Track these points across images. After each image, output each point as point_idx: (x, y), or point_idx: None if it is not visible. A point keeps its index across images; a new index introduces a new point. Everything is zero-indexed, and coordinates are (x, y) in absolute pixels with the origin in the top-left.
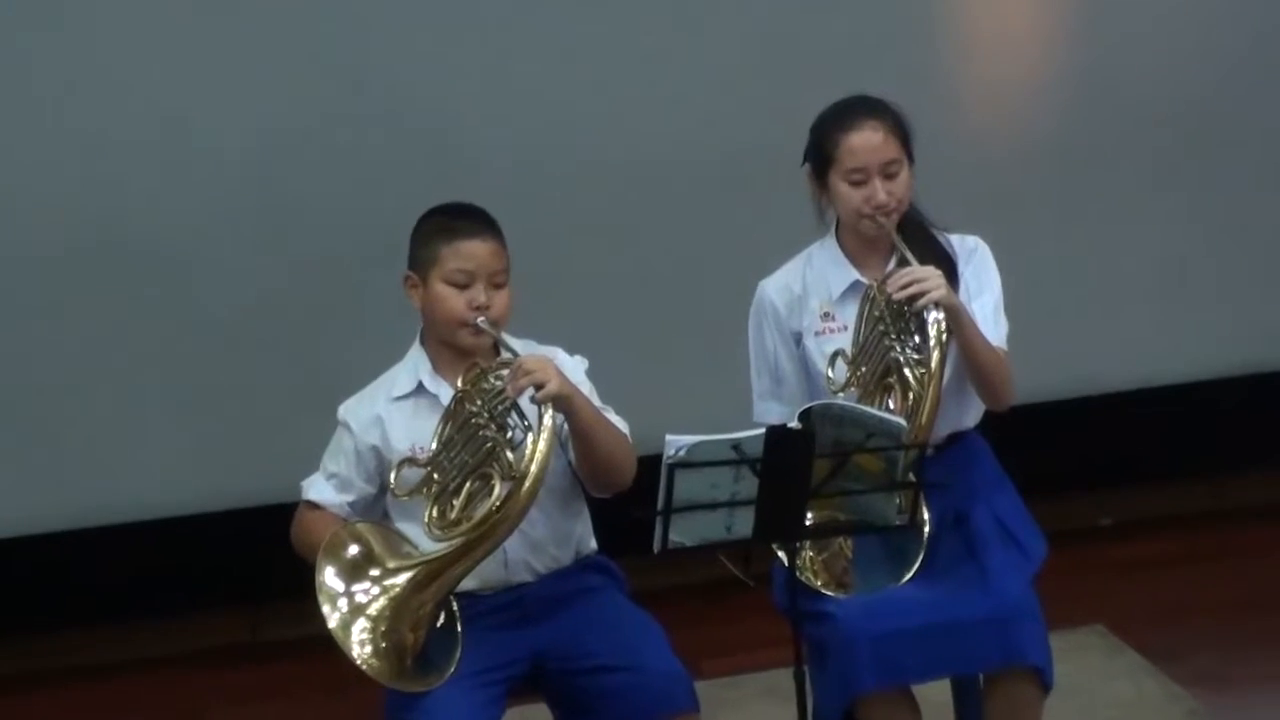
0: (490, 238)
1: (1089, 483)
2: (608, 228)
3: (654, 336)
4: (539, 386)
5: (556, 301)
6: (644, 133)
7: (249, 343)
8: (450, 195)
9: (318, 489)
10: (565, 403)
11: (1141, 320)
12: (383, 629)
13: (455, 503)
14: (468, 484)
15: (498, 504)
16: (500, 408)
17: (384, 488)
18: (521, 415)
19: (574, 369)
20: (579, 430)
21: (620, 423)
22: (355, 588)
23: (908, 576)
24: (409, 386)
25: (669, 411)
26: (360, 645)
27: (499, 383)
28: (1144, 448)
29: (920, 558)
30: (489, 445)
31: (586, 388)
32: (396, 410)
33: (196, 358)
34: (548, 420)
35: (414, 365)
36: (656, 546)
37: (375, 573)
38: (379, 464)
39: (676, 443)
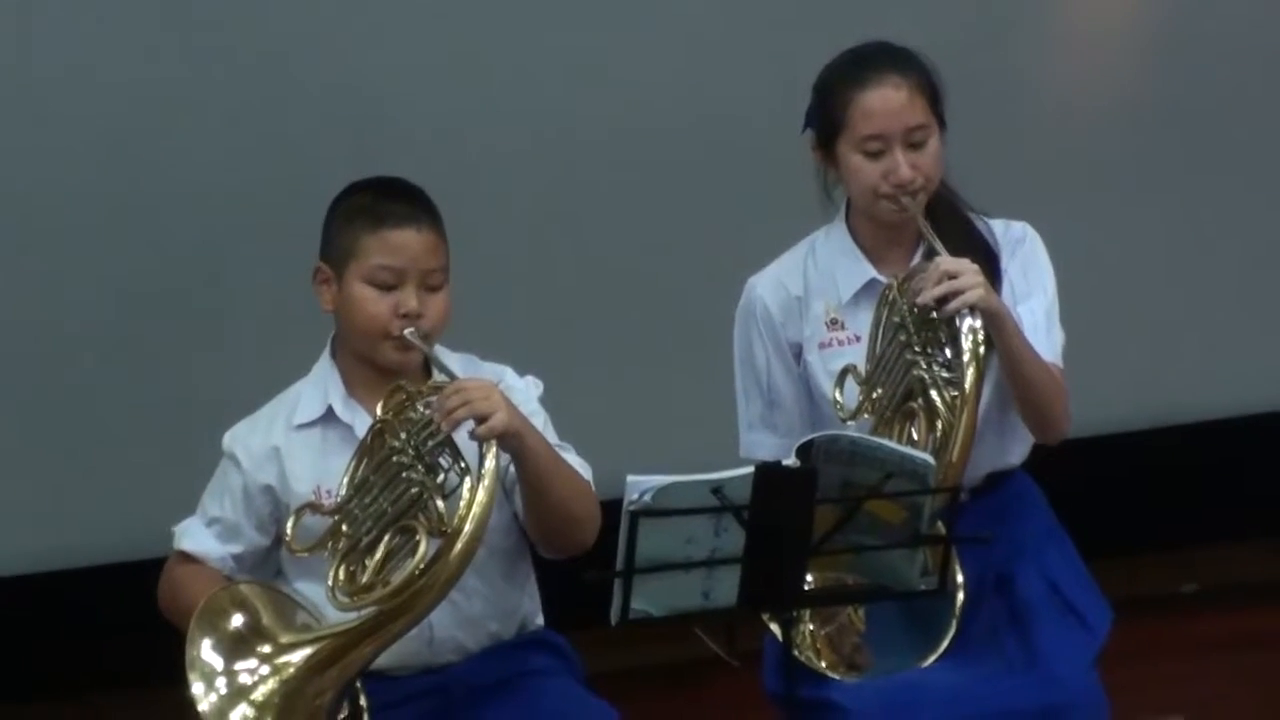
0: (428, 228)
1: (1167, 538)
2: (559, 214)
3: (614, 350)
4: (481, 419)
5: (497, 307)
6: (603, 94)
7: (97, 349)
8: (362, 171)
9: (194, 537)
10: (514, 441)
11: (1234, 329)
12: None
13: (368, 562)
14: (385, 539)
15: (422, 566)
16: (430, 444)
17: (279, 539)
18: (457, 455)
19: (526, 395)
20: (530, 475)
21: (581, 465)
22: (238, 665)
23: (935, 655)
24: (315, 412)
25: (631, 445)
26: None
27: (429, 412)
28: (1237, 493)
29: (951, 632)
30: (414, 491)
31: (540, 419)
32: (299, 441)
33: (22, 369)
34: (490, 463)
35: (322, 385)
36: (615, 618)
37: (265, 649)
38: (274, 509)
39: (640, 485)
